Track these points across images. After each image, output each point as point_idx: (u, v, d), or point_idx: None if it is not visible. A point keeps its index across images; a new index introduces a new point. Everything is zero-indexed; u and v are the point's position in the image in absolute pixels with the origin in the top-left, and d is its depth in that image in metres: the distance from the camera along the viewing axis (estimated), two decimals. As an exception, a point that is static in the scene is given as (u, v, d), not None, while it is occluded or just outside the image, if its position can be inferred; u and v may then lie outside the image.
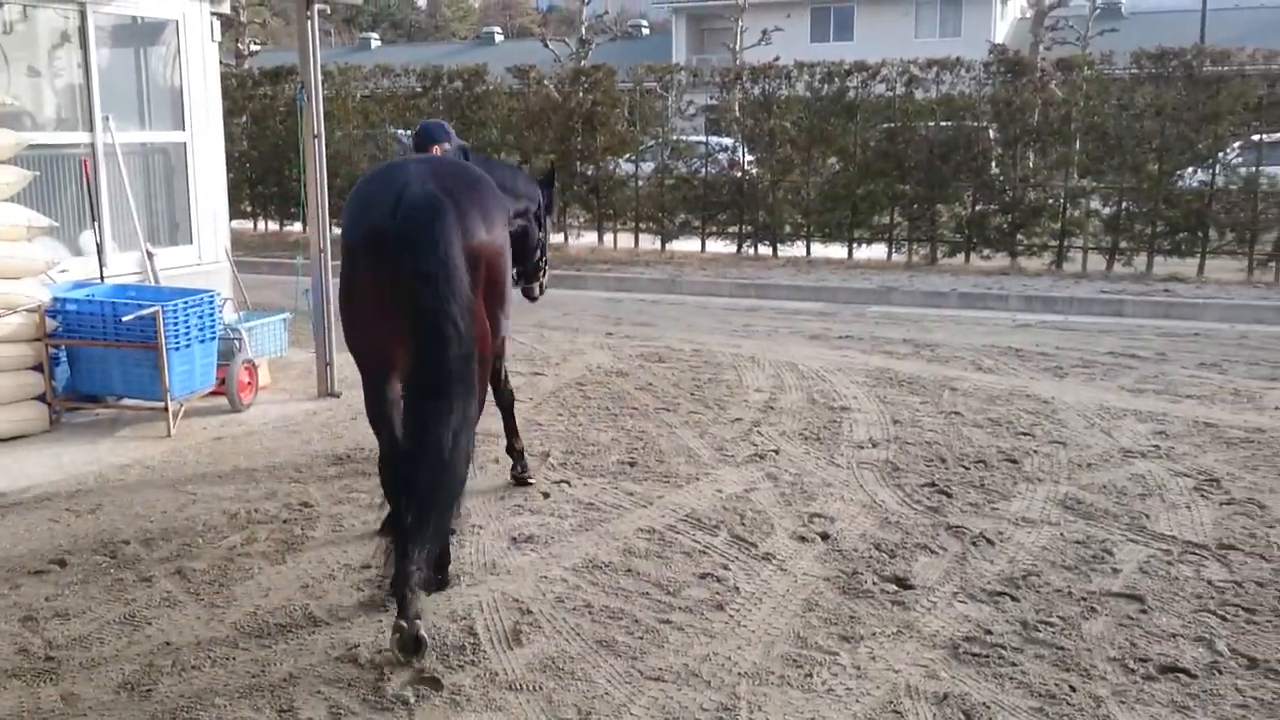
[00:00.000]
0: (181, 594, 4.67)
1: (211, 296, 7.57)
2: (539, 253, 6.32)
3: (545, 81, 18.53)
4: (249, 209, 20.97)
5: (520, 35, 58.88)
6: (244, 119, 20.38)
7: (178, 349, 7.15)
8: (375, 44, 54.91)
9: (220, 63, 10.33)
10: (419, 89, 19.34)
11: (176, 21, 9.34)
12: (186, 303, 7.27)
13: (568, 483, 6.16)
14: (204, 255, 9.68)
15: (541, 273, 6.43)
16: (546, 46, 27.64)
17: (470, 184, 4.45)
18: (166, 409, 7.17)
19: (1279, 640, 4.22)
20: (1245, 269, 14.44)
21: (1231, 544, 5.24)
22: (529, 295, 6.47)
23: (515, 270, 5.89)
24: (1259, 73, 14.58)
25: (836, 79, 16.65)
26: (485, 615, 4.43)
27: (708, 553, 5.10)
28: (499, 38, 53.70)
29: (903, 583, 4.75)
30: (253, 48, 27.85)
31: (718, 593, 4.65)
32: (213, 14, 9.64)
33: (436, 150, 5.56)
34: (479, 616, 4.42)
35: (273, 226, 20.98)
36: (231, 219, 11.00)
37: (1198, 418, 7.63)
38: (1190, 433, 7.26)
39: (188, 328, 7.26)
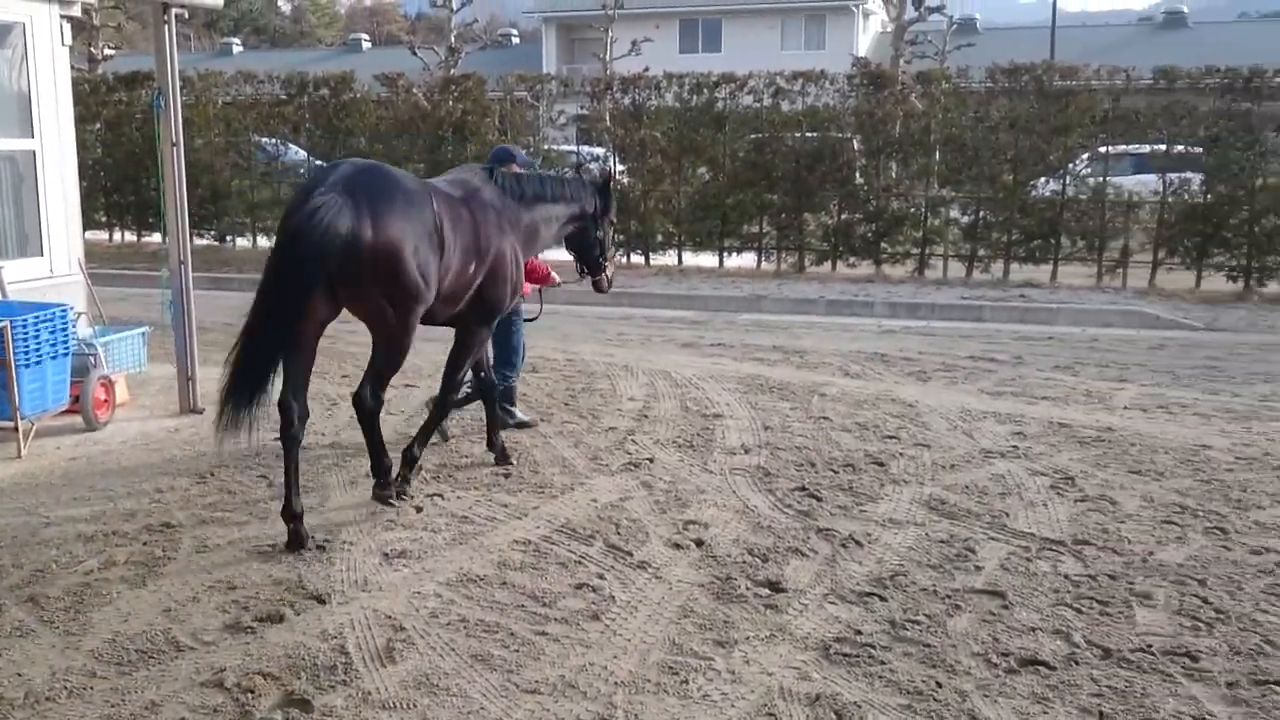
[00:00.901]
0: (34, 622, 4.46)
1: (64, 310, 7.27)
2: (598, 249, 7.14)
3: (414, 90, 18.32)
4: (104, 219, 20.24)
5: (388, 43, 58.13)
6: (98, 126, 19.68)
7: (28, 365, 6.85)
8: (237, 50, 53.47)
9: (72, 68, 9.93)
10: (284, 96, 18.93)
11: (23, 24, 8.94)
12: (37, 317, 6.97)
13: (441, 496, 6.09)
14: (56, 267, 9.28)
15: (604, 268, 7.24)
16: (415, 54, 27.27)
17: (380, 192, 5.29)
18: (17, 429, 6.85)
19: (1130, 631, 4.41)
20: (1095, 275, 15.09)
21: (1086, 539, 5.46)
22: (598, 288, 7.36)
23: (580, 265, 7.30)
24: (1104, 88, 15.28)
25: (705, 90, 16.87)
26: (357, 634, 4.35)
27: (583, 563, 5.10)
28: (366, 45, 52.85)
29: (775, 586, 4.83)
30: (107, 52, 26.83)
31: (593, 603, 4.65)
32: (63, 17, 9.25)
33: (513, 168, 6.81)
34: (350, 635, 4.33)
35: (130, 237, 20.27)
36: (86, 229, 10.58)
37: (1053, 418, 7.94)
38: (1046, 433, 7.55)
39: (39, 343, 6.95)
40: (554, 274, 7.58)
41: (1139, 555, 5.25)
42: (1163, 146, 15.26)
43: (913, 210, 16.20)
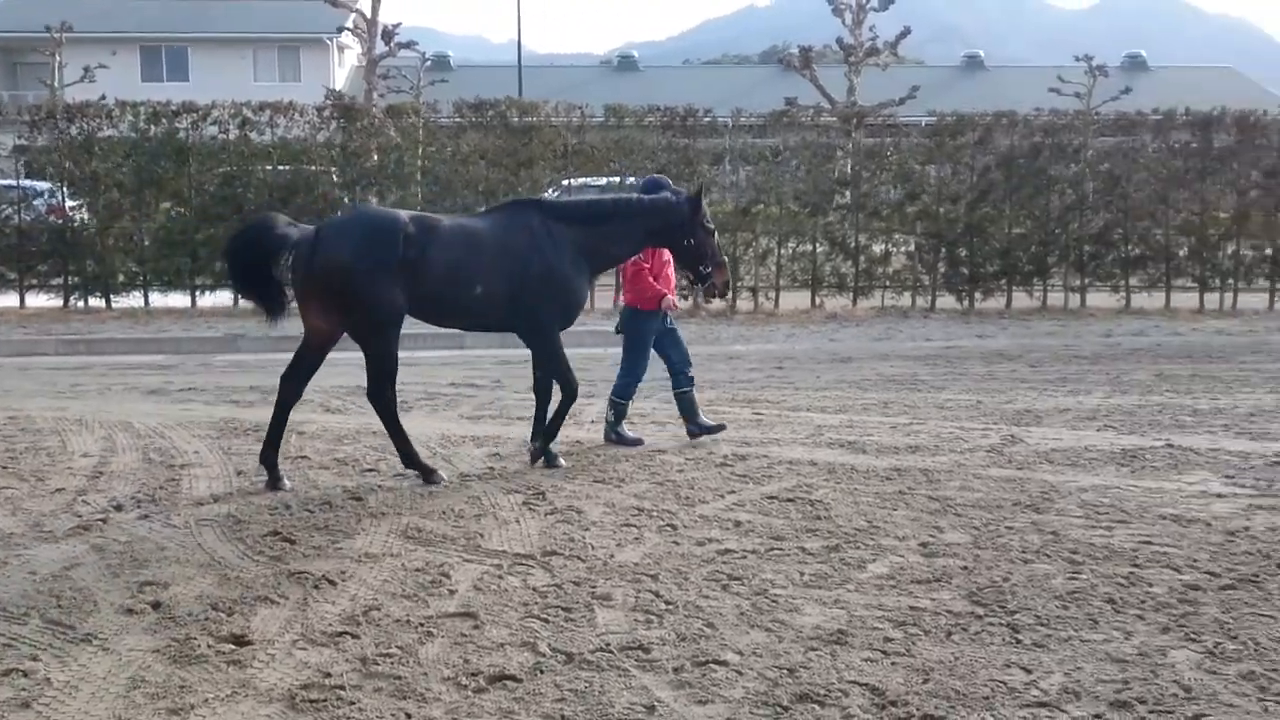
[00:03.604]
0: None
1: None
2: (697, 259, 7.61)
3: None
4: None
5: None
6: None
7: None
8: None
9: None
10: None
11: None
12: None
13: None
14: None
15: (710, 276, 7.69)
16: None
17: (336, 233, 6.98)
18: None
19: (592, 633, 4.64)
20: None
21: (554, 550, 5.70)
22: (709, 295, 8.38)
23: (688, 277, 7.99)
24: (562, 123, 16.30)
25: (165, 120, 15.90)
26: None
27: (14, 645, 4.50)
28: None
29: (240, 640, 4.54)
30: None
31: (24, 689, 4.10)
32: None
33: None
34: None
35: None
36: None
37: (527, 438, 8.22)
38: (520, 452, 7.82)
39: None
40: (671, 297, 8.09)
41: (601, 559, 5.56)
42: (618, 179, 16.53)
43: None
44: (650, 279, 8.02)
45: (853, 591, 5.12)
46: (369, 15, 26.64)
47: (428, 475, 7.05)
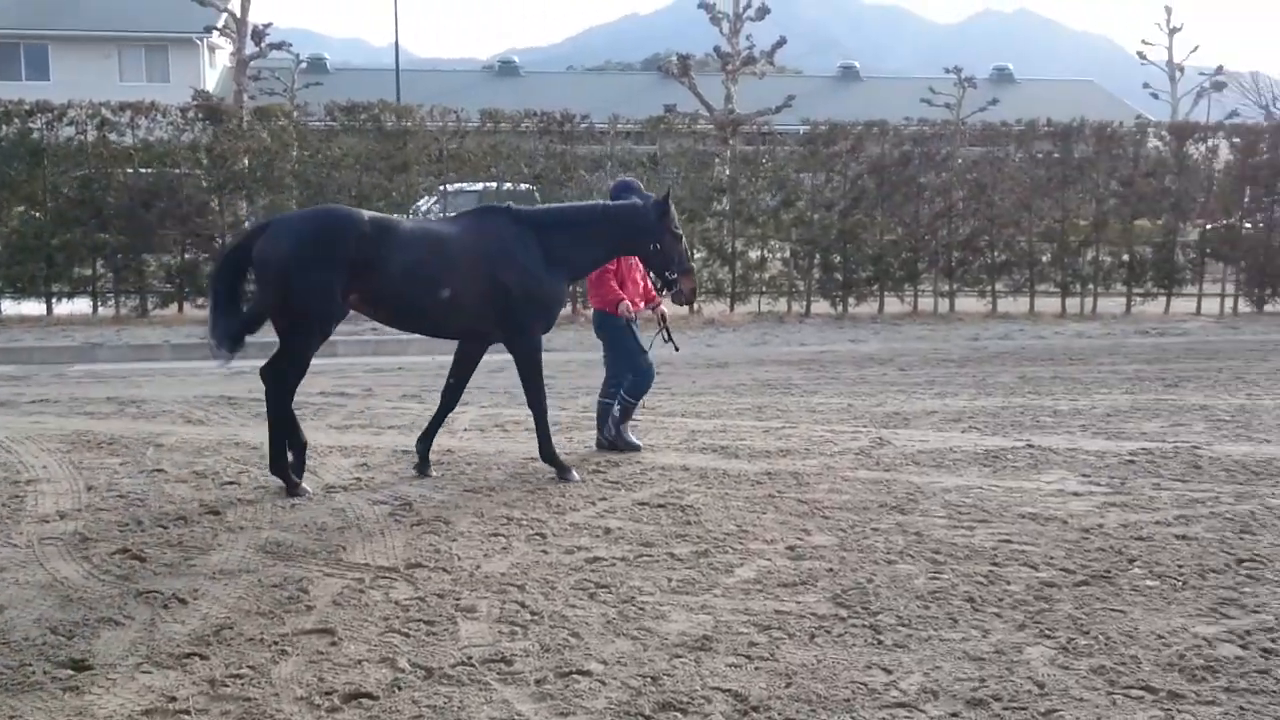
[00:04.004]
0: None
1: None
2: (663, 265, 7.57)
3: None
4: None
5: None
6: None
7: None
8: None
9: None
10: None
11: None
12: None
13: None
14: None
15: (676, 282, 7.62)
16: None
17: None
18: None
19: (454, 646, 4.53)
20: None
21: (419, 562, 5.57)
22: (678, 301, 7.78)
23: (655, 283, 7.85)
24: (437, 128, 16.08)
25: (18, 120, 15.20)
26: None
27: None
28: None
29: (80, 665, 4.31)
30: None
31: None
32: None
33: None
34: None
35: None
36: None
37: (398, 447, 8.08)
38: (390, 462, 7.66)
39: None
40: (628, 302, 7.96)
41: (467, 570, 5.45)
42: (494, 184, 16.38)
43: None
44: (612, 283, 7.98)
45: (719, 596, 5.11)
46: (239, 15, 25.90)
47: (291, 489, 6.85)
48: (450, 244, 7.07)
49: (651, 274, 7.84)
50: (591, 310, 8.45)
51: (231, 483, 7.12)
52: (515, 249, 7.15)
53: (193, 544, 5.85)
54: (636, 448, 8.03)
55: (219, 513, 6.43)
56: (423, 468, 7.34)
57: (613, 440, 8.05)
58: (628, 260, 8.00)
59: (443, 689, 4.14)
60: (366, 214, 6.95)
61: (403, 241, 6.85)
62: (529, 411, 7.37)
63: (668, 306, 8.32)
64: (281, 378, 6.86)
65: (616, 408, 8.08)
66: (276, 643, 4.55)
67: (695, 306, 14.96)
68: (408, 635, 4.64)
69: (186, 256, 15.59)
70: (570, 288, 7.82)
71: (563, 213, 7.68)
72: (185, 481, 7.15)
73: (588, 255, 7.51)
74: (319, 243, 6.64)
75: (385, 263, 6.72)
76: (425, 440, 7.44)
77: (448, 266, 6.97)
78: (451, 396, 7.56)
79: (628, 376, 8.06)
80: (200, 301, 15.52)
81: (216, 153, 15.62)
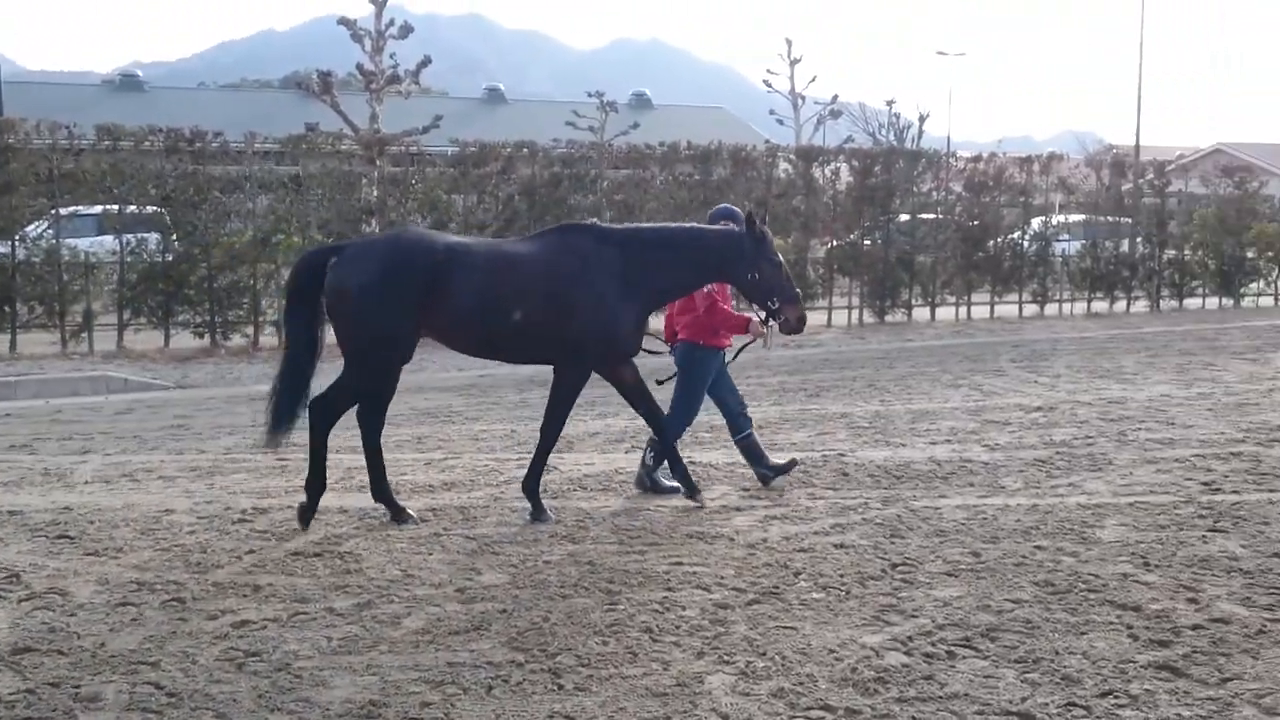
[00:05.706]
0: None
1: None
2: (763, 294, 7.01)
3: None
4: None
5: None
6: None
7: None
8: None
9: None
10: None
11: None
12: None
13: None
14: None
15: (778, 311, 7.03)
16: None
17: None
18: None
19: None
20: (59, 341, 14.22)
21: (28, 646, 4.78)
22: (784, 330, 7.15)
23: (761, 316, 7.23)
24: (46, 145, 14.51)
25: None
26: None
27: None
28: None
29: None
30: None
31: None
32: None
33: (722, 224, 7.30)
34: None
35: None
36: None
37: (2, 506, 7.03)
38: (-8, 526, 6.64)
39: None
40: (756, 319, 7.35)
41: (89, 650, 4.73)
42: (116, 207, 14.98)
43: None
44: (729, 309, 7.48)
45: (386, 653, 4.71)
46: None
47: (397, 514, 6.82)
48: (525, 264, 6.72)
49: (754, 304, 7.32)
50: (675, 343, 7.67)
51: None
52: (593, 271, 6.71)
53: None
54: (676, 491, 7.35)
55: None
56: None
57: (653, 483, 7.52)
58: (723, 290, 7.54)
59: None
60: (440, 238, 6.82)
61: (475, 263, 6.56)
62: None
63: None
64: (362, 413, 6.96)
65: (649, 454, 7.52)
66: None
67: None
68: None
69: None
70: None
71: (651, 232, 7.29)
72: None
73: (674, 280, 7.04)
74: (391, 273, 6.43)
75: (456, 288, 6.46)
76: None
77: (522, 288, 6.63)
78: (649, 419, 7.19)
79: (686, 418, 7.67)
80: None
81: None
